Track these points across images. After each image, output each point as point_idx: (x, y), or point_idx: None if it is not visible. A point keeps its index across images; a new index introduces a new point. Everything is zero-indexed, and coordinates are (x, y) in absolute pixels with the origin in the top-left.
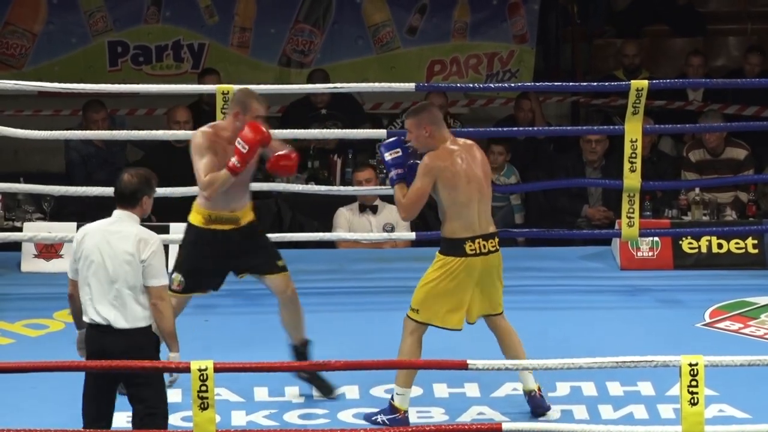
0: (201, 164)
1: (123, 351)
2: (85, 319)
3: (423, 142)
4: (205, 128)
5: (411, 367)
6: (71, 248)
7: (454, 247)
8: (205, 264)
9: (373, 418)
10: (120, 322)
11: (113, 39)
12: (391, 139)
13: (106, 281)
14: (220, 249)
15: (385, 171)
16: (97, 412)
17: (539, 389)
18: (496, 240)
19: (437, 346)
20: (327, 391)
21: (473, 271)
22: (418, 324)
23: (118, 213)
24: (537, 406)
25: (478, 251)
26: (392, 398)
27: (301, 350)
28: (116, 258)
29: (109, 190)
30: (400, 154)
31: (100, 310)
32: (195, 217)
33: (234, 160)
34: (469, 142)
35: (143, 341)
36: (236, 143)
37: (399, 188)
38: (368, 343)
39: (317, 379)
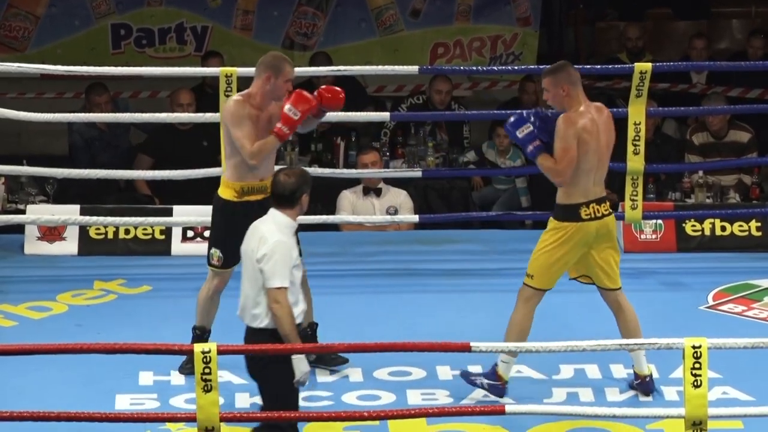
0: (242, 134)
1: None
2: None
3: (559, 101)
4: (237, 96)
5: (414, 350)
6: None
7: (569, 213)
8: (236, 241)
9: (472, 378)
10: (249, 321)
11: (116, 21)
12: (514, 118)
13: (245, 279)
14: (254, 220)
15: (520, 148)
16: None
17: (651, 374)
18: (608, 204)
19: (440, 329)
20: (339, 360)
21: (588, 236)
22: (534, 290)
23: (270, 212)
24: (646, 391)
25: (593, 215)
26: (497, 364)
27: (309, 333)
28: (246, 256)
29: (112, 173)
30: (531, 128)
31: (241, 306)
32: (227, 192)
33: (281, 125)
34: (599, 104)
35: (263, 342)
36: (285, 109)
37: (543, 158)
38: (372, 326)
39: (324, 358)
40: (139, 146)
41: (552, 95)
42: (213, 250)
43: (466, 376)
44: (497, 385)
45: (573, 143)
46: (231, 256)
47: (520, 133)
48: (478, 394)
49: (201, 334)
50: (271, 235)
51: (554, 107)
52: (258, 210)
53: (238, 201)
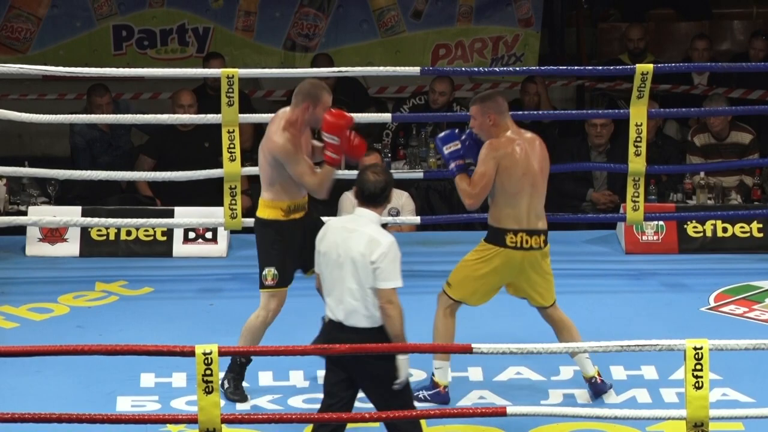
0: (303, 169)
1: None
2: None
3: (486, 129)
4: (286, 132)
5: (416, 351)
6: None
7: (495, 236)
8: (293, 255)
9: (416, 395)
10: (351, 321)
11: (118, 23)
12: (445, 133)
13: (339, 279)
14: (300, 237)
15: (444, 162)
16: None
17: (598, 374)
18: (542, 237)
19: None
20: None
21: (512, 262)
22: (451, 300)
23: (359, 211)
24: (598, 391)
25: (518, 245)
26: (432, 374)
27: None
28: (348, 257)
29: (113, 174)
30: (459, 147)
31: (333, 306)
32: (273, 213)
33: (329, 152)
34: (531, 134)
35: (370, 341)
36: (324, 137)
37: (461, 179)
38: None
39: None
40: (140, 147)
41: (478, 123)
42: (266, 270)
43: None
44: (437, 392)
45: (491, 168)
46: (286, 275)
47: (447, 149)
48: (476, 396)
49: (246, 362)
50: (383, 236)
51: (481, 136)
52: (302, 227)
53: (287, 220)
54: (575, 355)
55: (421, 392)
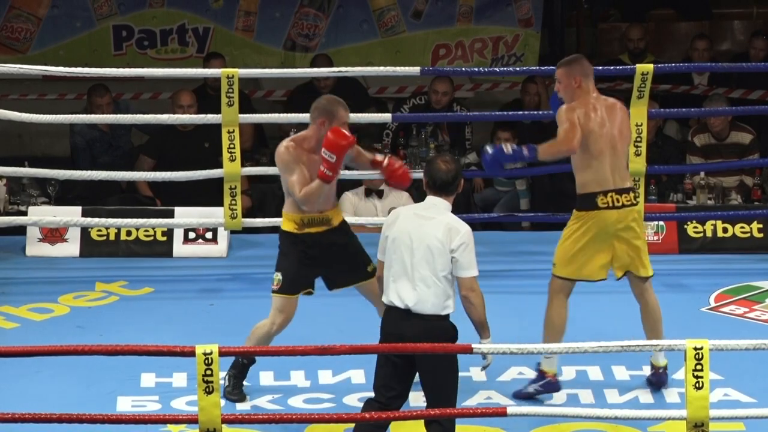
0: (293, 179)
1: (419, 336)
2: (384, 299)
3: (570, 92)
4: (286, 142)
5: (419, 351)
6: (384, 226)
7: (586, 202)
8: (303, 267)
9: (525, 392)
10: (419, 307)
11: (118, 23)
12: (492, 149)
13: (410, 266)
14: (315, 252)
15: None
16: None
17: (665, 367)
18: (632, 194)
19: None
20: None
21: (607, 224)
22: (562, 281)
23: (431, 200)
24: (660, 383)
25: (610, 205)
26: (539, 364)
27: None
28: (423, 244)
29: (113, 174)
30: (512, 150)
31: (401, 293)
32: (288, 225)
33: (323, 168)
34: (613, 100)
35: (441, 329)
36: (322, 153)
37: (545, 147)
38: (374, 327)
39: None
40: (140, 147)
41: (564, 86)
42: (275, 275)
43: (518, 394)
44: (547, 381)
45: (573, 119)
46: (289, 284)
47: (507, 152)
48: (480, 396)
49: (249, 363)
50: (461, 224)
51: (565, 99)
52: (319, 243)
53: (300, 233)
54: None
55: (531, 387)
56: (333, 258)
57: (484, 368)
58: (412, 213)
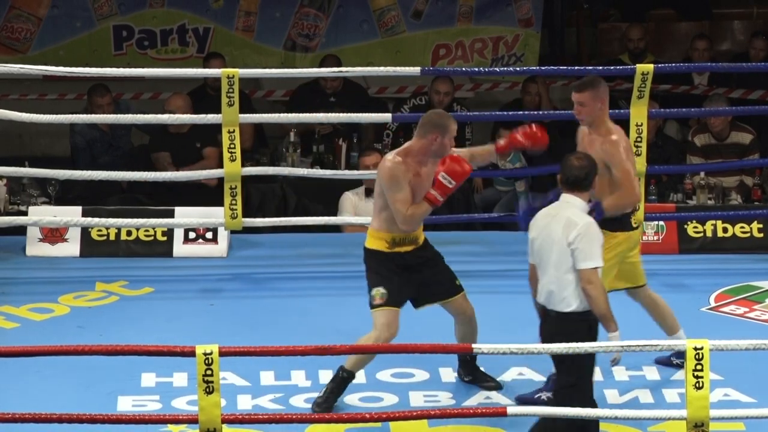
0: (399, 197)
1: (554, 334)
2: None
3: (597, 115)
4: (394, 156)
5: (417, 351)
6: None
7: (621, 223)
8: (402, 281)
9: (536, 397)
10: (552, 305)
11: (118, 23)
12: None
13: (545, 264)
14: (405, 269)
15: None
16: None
17: None
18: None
19: (443, 331)
20: (492, 386)
21: (632, 242)
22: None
23: (564, 197)
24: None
25: (637, 224)
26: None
27: (470, 359)
28: (550, 241)
29: (114, 174)
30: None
31: (541, 292)
32: (377, 243)
33: (435, 192)
34: None
35: (573, 326)
36: (440, 177)
37: (610, 202)
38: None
39: (477, 375)
40: (141, 148)
41: (589, 109)
42: (375, 290)
43: (527, 400)
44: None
45: (631, 162)
46: (396, 296)
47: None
48: (481, 396)
49: (348, 377)
50: (579, 217)
51: (586, 120)
52: (408, 261)
53: (389, 252)
54: (673, 333)
55: (542, 394)
56: (425, 274)
57: (613, 362)
58: (546, 212)
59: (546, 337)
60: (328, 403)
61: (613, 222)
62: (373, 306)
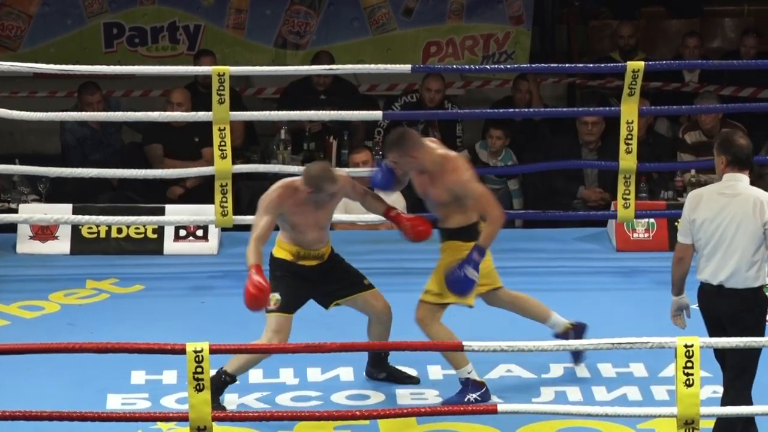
0: (259, 222)
1: (734, 311)
2: (700, 277)
3: (413, 165)
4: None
5: (406, 349)
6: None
7: (470, 233)
8: (300, 289)
9: (466, 399)
10: (732, 282)
11: (109, 20)
12: (455, 278)
13: (722, 243)
14: (308, 280)
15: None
16: None
17: (572, 324)
18: None
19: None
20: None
21: None
22: (438, 306)
23: (732, 176)
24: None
25: None
26: (468, 378)
27: (375, 357)
28: (735, 221)
29: (104, 172)
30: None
31: (714, 271)
32: (282, 253)
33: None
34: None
35: (753, 302)
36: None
37: (487, 234)
38: (363, 325)
39: (391, 371)
40: (133, 145)
41: (402, 165)
42: (271, 296)
43: (455, 401)
44: (484, 391)
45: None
46: (287, 303)
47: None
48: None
49: (230, 381)
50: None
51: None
52: (311, 273)
53: (293, 262)
54: (547, 320)
55: (469, 395)
56: (328, 281)
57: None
58: (716, 193)
59: (725, 314)
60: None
61: (468, 233)
62: (267, 311)
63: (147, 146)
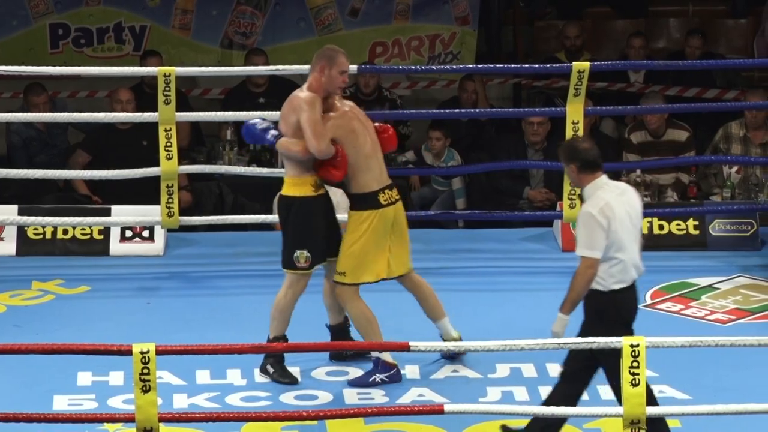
0: (312, 117)
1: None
2: (624, 284)
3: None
4: (309, 91)
5: (356, 348)
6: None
7: (367, 201)
8: (324, 231)
9: (370, 380)
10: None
11: (54, 21)
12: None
13: (635, 239)
14: (328, 211)
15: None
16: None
17: (460, 338)
18: (395, 189)
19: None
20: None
21: (387, 221)
22: (352, 287)
23: (603, 179)
24: (455, 356)
25: (389, 201)
26: (378, 357)
27: (337, 330)
28: (636, 213)
29: (50, 173)
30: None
31: (638, 266)
32: (303, 189)
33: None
34: (350, 103)
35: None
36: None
37: (288, 141)
38: (315, 324)
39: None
40: (76, 146)
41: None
42: (298, 253)
43: (360, 383)
44: (393, 372)
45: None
46: (317, 255)
47: (259, 127)
48: (414, 393)
49: (283, 339)
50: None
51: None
52: (326, 201)
53: (317, 195)
54: (438, 320)
55: (375, 376)
56: (333, 222)
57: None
58: (615, 195)
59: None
60: (286, 371)
61: (359, 201)
62: (296, 267)
63: (77, 150)
